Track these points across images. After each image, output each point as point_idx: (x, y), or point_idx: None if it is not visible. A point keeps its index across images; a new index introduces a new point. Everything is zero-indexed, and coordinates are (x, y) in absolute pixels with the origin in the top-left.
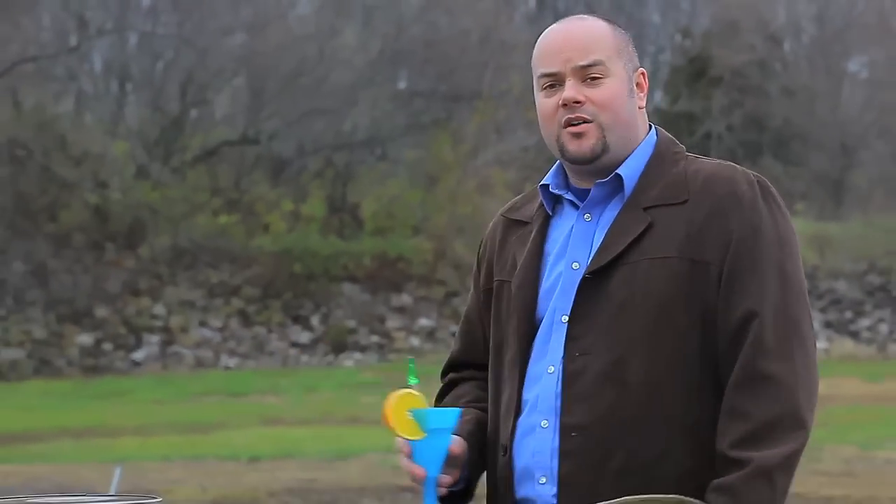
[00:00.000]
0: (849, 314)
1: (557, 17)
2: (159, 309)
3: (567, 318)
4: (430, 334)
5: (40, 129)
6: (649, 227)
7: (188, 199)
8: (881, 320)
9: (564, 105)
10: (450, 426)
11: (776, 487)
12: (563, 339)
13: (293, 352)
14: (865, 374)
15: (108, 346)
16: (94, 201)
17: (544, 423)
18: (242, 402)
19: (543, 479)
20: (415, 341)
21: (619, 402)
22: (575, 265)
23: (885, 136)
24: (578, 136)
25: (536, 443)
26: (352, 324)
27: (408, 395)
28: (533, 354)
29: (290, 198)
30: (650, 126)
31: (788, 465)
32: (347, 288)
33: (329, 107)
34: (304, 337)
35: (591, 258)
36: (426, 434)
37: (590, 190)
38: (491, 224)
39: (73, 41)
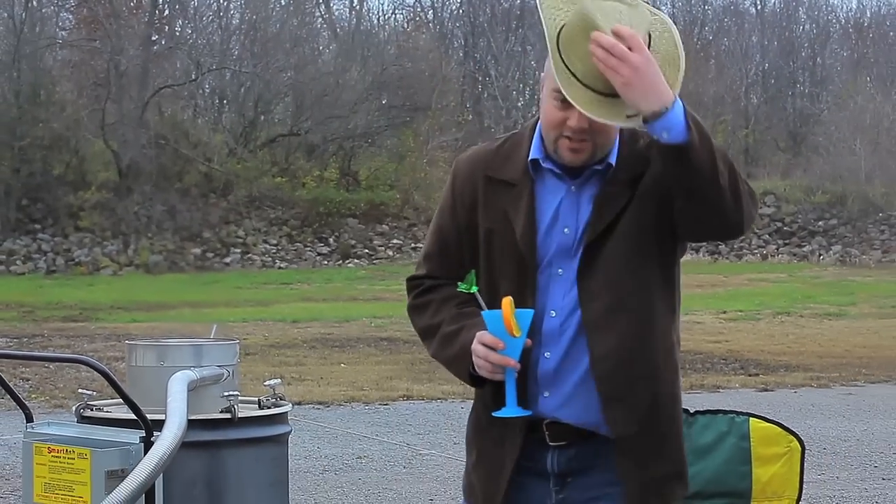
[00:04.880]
0: None
1: (478, 63)
2: (240, 232)
3: (562, 271)
4: (399, 249)
5: (173, 127)
6: (627, 202)
7: (258, 168)
8: None
9: (571, 129)
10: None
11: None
12: (568, 290)
13: (318, 258)
14: (686, 270)
15: (210, 255)
16: (203, 170)
17: (547, 354)
18: (288, 288)
19: (547, 394)
20: (389, 252)
21: (625, 332)
22: (566, 230)
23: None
24: (575, 150)
25: (540, 368)
26: (353, 242)
27: (511, 300)
28: (532, 299)
29: (317, 167)
30: None
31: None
32: (350, 221)
33: (341, 114)
34: (325, 249)
35: (586, 226)
36: (522, 333)
37: (569, 166)
38: (464, 170)
39: (192, 75)
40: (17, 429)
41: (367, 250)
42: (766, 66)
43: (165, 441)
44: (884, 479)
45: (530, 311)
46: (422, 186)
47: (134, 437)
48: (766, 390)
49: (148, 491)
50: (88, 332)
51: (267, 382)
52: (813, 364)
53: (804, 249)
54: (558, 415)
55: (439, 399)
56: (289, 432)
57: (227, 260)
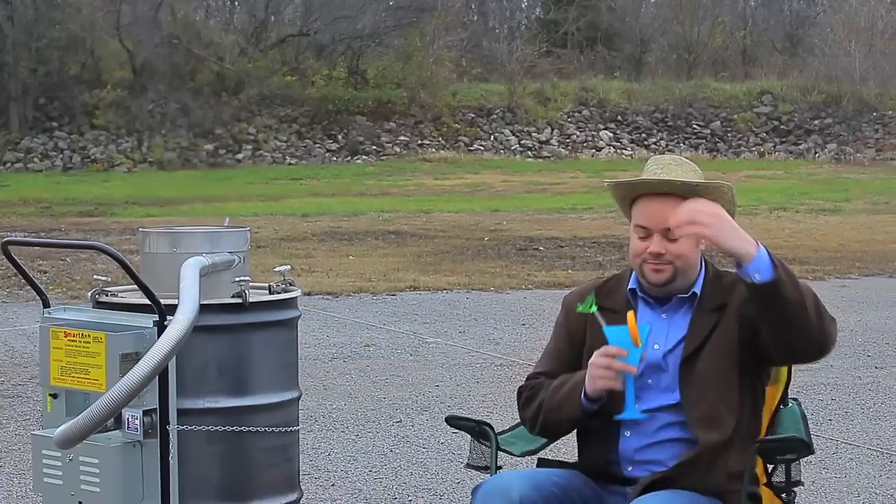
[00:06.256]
0: (644, 135)
1: None
2: (252, 129)
3: (651, 382)
4: (406, 145)
5: (186, 28)
6: (714, 326)
7: (269, 67)
8: (661, 139)
9: (651, 254)
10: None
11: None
12: (657, 396)
13: (328, 155)
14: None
15: (222, 151)
16: (216, 69)
17: (627, 433)
18: (298, 183)
19: (630, 468)
20: (396, 149)
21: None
22: (656, 346)
23: (664, 36)
24: (657, 271)
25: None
26: (361, 139)
27: (634, 314)
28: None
29: (326, 67)
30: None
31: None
32: (359, 118)
33: (349, 15)
34: (334, 146)
35: (678, 343)
36: (643, 343)
37: (659, 295)
38: (574, 306)
39: None
40: (34, 319)
41: (374, 147)
42: None
43: (178, 325)
44: (876, 367)
45: (647, 326)
46: (428, 85)
47: (147, 321)
48: None
49: (161, 373)
50: (104, 226)
51: (277, 268)
52: (809, 257)
53: (800, 147)
54: (637, 476)
55: (445, 290)
56: (298, 317)
57: (239, 156)
